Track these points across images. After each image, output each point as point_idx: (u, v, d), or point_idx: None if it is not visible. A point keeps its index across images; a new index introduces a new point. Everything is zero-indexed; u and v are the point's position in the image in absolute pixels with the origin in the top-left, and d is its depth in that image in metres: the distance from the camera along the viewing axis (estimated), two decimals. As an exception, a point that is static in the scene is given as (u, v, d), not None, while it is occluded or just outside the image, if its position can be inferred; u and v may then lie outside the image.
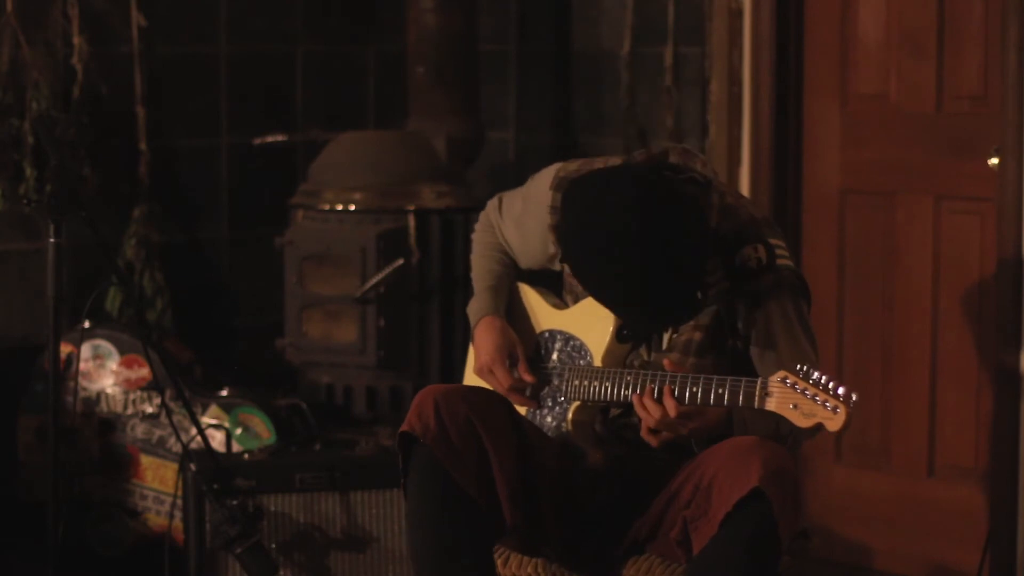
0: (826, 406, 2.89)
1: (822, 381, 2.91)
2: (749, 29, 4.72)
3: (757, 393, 2.96)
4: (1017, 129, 4.19)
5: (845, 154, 4.71)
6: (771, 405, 2.94)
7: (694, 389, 3.02)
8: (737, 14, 4.73)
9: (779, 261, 3.17)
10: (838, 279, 4.71)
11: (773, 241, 3.18)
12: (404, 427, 3.11)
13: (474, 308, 3.43)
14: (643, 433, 3.09)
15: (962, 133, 4.45)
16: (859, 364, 4.70)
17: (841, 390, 2.89)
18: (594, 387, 3.20)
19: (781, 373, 2.94)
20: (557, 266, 3.40)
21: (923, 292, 4.56)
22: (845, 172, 4.71)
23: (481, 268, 3.49)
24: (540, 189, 3.37)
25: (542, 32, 5.45)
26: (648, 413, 3.05)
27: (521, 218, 3.43)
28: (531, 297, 3.47)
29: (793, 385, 2.93)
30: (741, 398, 2.98)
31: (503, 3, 5.48)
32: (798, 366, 2.94)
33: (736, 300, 3.17)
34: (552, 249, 3.35)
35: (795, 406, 2.92)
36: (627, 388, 3.13)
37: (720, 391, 3.00)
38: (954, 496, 4.52)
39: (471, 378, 3.46)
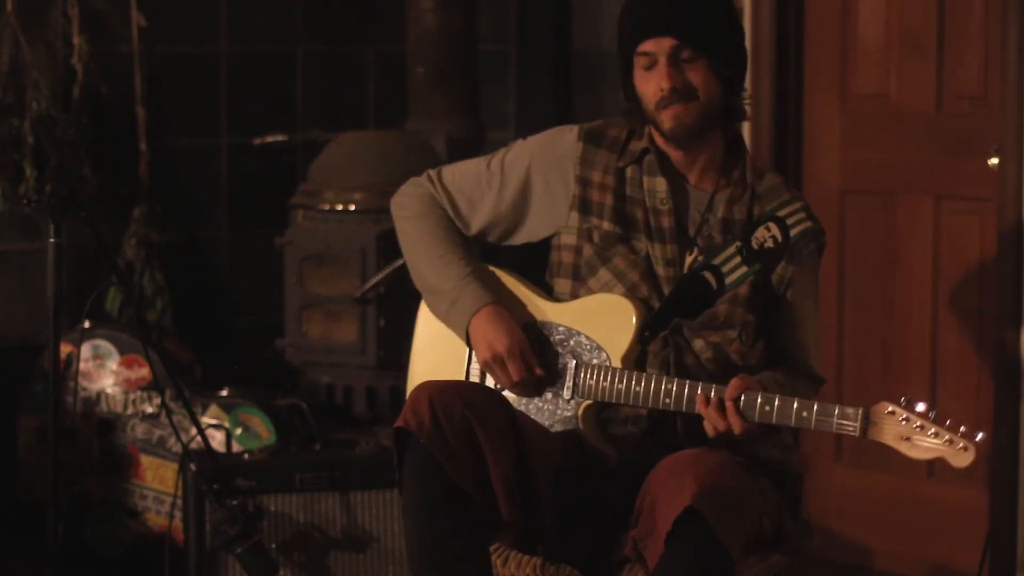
0: (952, 444, 2.92)
1: (933, 415, 2.94)
2: (749, 29, 4.72)
3: (859, 423, 2.97)
4: (1017, 129, 4.20)
5: (845, 154, 4.71)
6: (879, 436, 2.97)
7: (767, 408, 3.02)
8: (737, 14, 4.73)
9: (796, 229, 3.22)
10: (838, 279, 4.71)
11: (785, 211, 3.23)
12: (399, 423, 3.10)
13: (466, 297, 3.30)
14: (706, 426, 3.09)
15: (962, 133, 4.45)
16: (859, 364, 4.70)
17: (963, 427, 2.92)
18: (617, 389, 3.18)
19: (885, 404, 2.97)
20: (530, 236, 3.38)
21: (923, 292, 4.56)
22: (845, 172, 4.72)
23: (448, 253, 3.37)
24: (555, 144, 3.38)
25: (542, 32, 5.45)
26: (711, 422, 3.06)
27: (501, 180, 3.37)
28: (513, 284, 3.38)
29: (904, 419, 2.95)
30: (835, 426, 2.98)
31: (503, 3, 5.48)
32: (902, 398, 2.97)
33: (774, 259, 3.22)
34: (541, 213, 3.35)
35: (907, 439, 2.95)
36: (668, 397, 3.12)
37: (805, 414, 3.00)
38: (954, 496, 4.52)
39: (422, 374, 3.41)
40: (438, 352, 3.43)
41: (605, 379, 3.20)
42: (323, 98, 5.47)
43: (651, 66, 3.20)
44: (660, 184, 3.26)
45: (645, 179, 3.28)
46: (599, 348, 3.23)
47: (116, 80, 4.97)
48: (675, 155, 3.28)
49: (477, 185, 3.40)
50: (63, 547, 3.58)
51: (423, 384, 3.15)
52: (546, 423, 3.28)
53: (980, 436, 2.92)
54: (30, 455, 4.67)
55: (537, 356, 3.31)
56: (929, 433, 2.94)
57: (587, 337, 3.26)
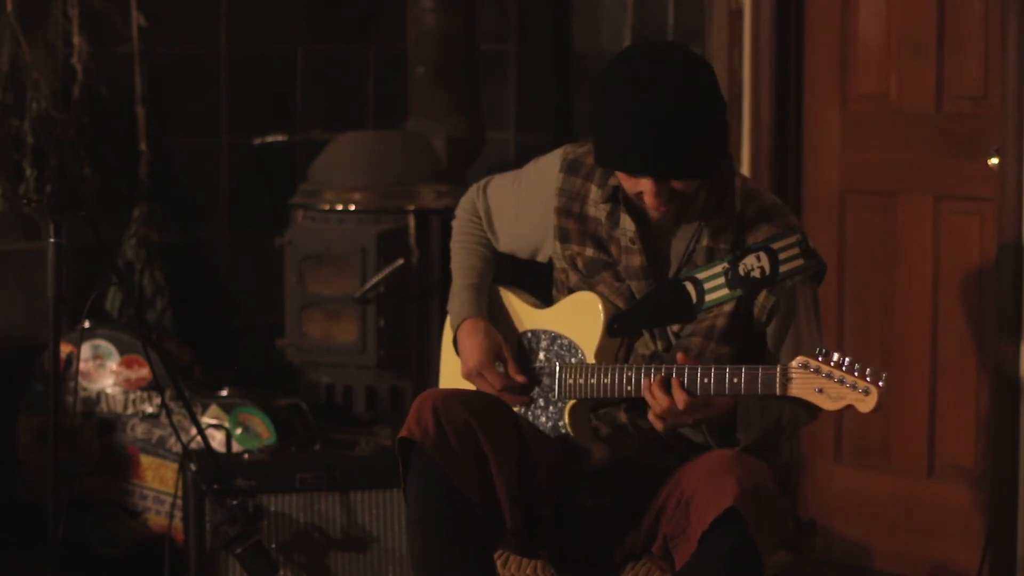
0: (856, 388, 2.87)
1: (845, 363, 2.89)
2: (749, 29, 4.72)
3: (778, 380, 2.94)
4: (1017, 129, 4.20)
5: (845, 154, 4.71)
6: (794, 391, 2.93)
7: (706, 380, 3.01)
8: (737, 14, 4.73)
9: (786, 266, 3.16)
10: (838, 279, 4.71)
11: (780, 244, 3.18)
12: (403, 432, 3.11)
13: (455, 307, 3.40)
14: (650, 416, 3.07)
15: (962, 133, 4.45)
16: (859, 364, 4.70)
17: (869, 371, 2.87)
18: (591, 384, 3.20)
19: (800, 358, 2.93)
20: (545, 256, 3.40)
21: (923, 292, 4.56)
22: (845, 172, 4.72)
23: (463, 263, 3.47)
24: (545, 172, 3.36)
25: (542, 32, 5.45)
26: (656, 401, 3.04)
27: (517, 202, 3.42)
28: (510, 299, 3.44)
29: (816, 370, 2.91)
30: (760, 386, 2.96)
31: (503, 3, 5.49)
32: (817, 349, 2.93)
33: (757, 289, 3.17)
34: (547, 237, 3.35)
35: (820, 390, 2.91)
36: (629, 384, 3.13)
37: (736, 380, 2.98)
38: (954, 496, 4.53)
39: (448, 380, 3.46)
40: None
41: (582, 376, 3.23)
42: (323, 98, 5.47)
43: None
44: (629, 224, 3.23)
45: (620, 216, 3.25)
46: (576, 347, 3.28)
47: (116, 80, 4.97)
48: None
49: (505, 202, 3.45)
50: (63, 547, 3.58)
51: (427, 393, 3.16)
52: (545, 428, 3.30)
53: (884, 378, 2.87)
54: (30, 455, 4.67)
55: (526, 364, 3.34)
56: (836, 381, 2.89)
57: (567, 338, 3.30)
